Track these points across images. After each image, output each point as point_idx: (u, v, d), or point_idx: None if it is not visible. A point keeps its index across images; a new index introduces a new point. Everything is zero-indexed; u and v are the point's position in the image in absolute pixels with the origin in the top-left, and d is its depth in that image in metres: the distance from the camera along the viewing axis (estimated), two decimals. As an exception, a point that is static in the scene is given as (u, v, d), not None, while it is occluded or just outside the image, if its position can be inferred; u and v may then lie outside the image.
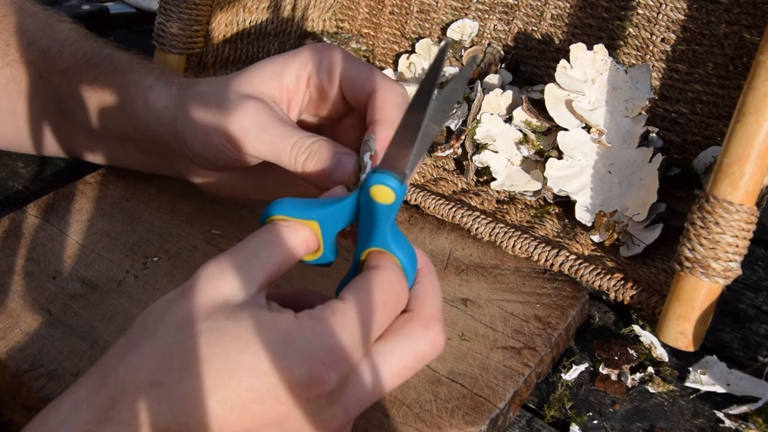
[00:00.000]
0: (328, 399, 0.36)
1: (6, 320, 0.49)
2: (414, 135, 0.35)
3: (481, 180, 0.67)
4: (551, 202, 0.63)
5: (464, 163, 0.67)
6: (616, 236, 0.59)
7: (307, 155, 0.45)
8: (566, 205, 0.63)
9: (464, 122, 0.68)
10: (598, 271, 0.55)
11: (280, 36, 0.83)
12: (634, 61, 0.69)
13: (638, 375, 0.52)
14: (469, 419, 0.44)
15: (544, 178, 0.62)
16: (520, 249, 0.58)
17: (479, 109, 0.67)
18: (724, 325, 0.57)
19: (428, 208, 0.62)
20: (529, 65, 0.75)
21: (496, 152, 0.65)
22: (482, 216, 0.60)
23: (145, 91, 0.55)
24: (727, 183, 0.47)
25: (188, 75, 0.73)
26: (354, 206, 0.39)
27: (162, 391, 0.34)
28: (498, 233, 0.59)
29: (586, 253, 0.58)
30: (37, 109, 0.62)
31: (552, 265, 0.57)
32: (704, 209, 0.48)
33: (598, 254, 0.58)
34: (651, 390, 0.51)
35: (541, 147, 0.65)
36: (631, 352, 0.53)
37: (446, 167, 0.69)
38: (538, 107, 0.66)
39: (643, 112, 0.64)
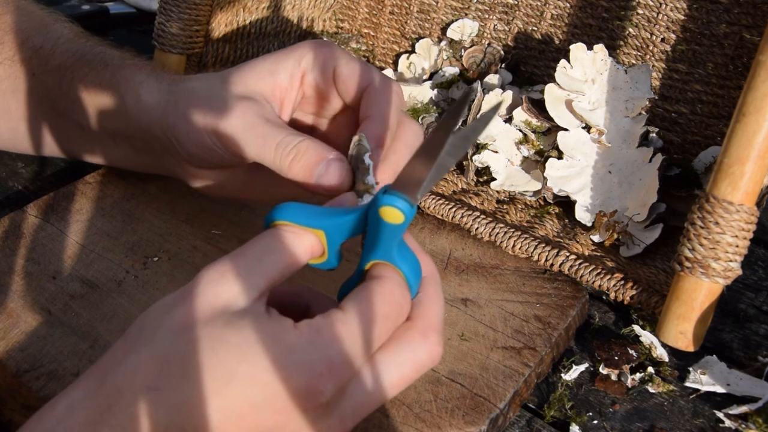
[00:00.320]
0: (326, 409, 0.35)
1: (6, 320, 0.49)
2: (431, 163, 0.36)
3: (481, 180, 0.67)
4: (551, 202, 0.63)
5: (464, 163, 0.67)
6: (616, 236, 0.59)
7: (293, 156, 0.45)
8: (566, 205, 0.63)
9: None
10: (598, 271, 0.55)
11: (280, 36, 0.83)
12: (634, 61, 0.69)
13: (638, 375, 0.52)
14: (469, 419, 0.44)
15: (544, 178, 0.62)
16: (520, 249, 0.58)
17: (479, 109, 0.67)
18: (724, 325, 0.57)
19: (428, 208, 0.62)
20: (529, 65, 0.75)
21: (496, 152, 0.65)
22: (482, 216, 0.60)
23: (136, 87, 0.54)
24: (727, 183, 0.47)
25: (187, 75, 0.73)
26: (361, 219, 0.39)
27: (159, 397, 0.34)
28: (498, 233, 0.59)
29: (586, 253, 0.58)
30: (31, 107, 0.62)
31: (552, 265, 0.57)
32: (704, 209, 0.48)
33: (598, 254, 0.58)
34: (651, 390, 0.51)
35: (541, 147, 0.65)
36: (631, 352, 0.53)
37: (446, 167, 0.69)
38: (538, 107, 0.66)
39: (643, 112, 0.64)
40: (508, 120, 0.67)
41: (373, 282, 0.38)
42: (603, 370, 0.52)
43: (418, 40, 0.80)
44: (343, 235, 0.39)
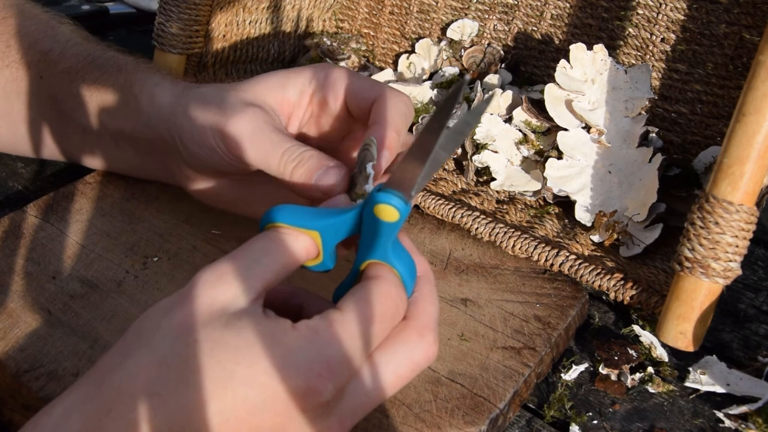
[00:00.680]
0: (324, 410, 0.35)
1: (6, 320, 0.49)
2: (424, 159, 0.36)
3: (481, 180, 0.67)
4: (551, 202, 0.63)
5: (464, 163, 0.67)
6: (616, 236, 0.59)
7: (296, 163, 0.45)
8: (566, 205, 0.63)
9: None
10: (598, 271, 0.55)
11: (280, 36, 0.83)
12: (634, 61, 0.69)
13: (638, 375, 0.52)
14: (469, 419, 0.44)
15: (544, 178, 0.62)
16: (520, 249, 0.58)
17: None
18: (724, 325, 0.57)
19: (428, 208, 0.62)
20: (529, 65, 0.75)
21: (496, 152, 0.65)
22: (482, 216, 0.60)
23: (151, 88, 0.55)
24: (727, 183, 0.47)
25: (188, 75, 0.73)
26: (356, 219, 0.39)
27: (158, 402, 0.34)
28: (498, 233, 0.59)
29: (586, 253, 0.58)
30: (34, 110, 0.62)
31: (552, 265, 0.57)
32: (704, 209, 0.48)
33: (598, 254, 0.58)
34: (651, 390, 0.51)
35: (541, 147, 0.65)
36: (631, 352, 0.53)
37: (446, 167, 0.69)
38: (538, 107, 0.66)
39: (643, 112, 0.64)
40: (508, 120, 0.67)
41: (370, 282, 0.38)
42: (603, 370, 0.52)
43: (417, 40, 0.80)
44: (338, 235, 0.40)
